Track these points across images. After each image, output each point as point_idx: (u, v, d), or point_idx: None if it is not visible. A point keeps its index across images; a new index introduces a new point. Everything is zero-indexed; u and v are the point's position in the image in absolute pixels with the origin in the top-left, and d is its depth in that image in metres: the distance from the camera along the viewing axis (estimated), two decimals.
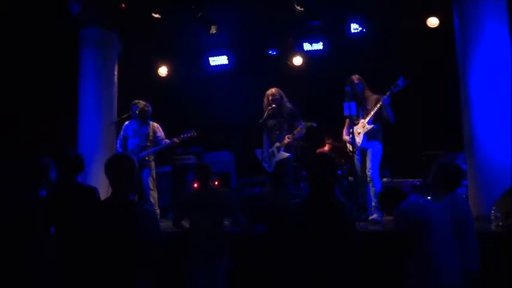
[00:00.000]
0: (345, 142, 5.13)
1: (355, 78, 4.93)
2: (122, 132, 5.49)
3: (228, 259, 3.59)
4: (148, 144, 5.32)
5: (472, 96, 4.82)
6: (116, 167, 2.54)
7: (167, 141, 5.31)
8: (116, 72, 6.31)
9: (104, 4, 5.98)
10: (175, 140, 5.27)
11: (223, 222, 3.76)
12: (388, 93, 4.70)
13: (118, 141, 5.51)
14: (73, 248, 2.82)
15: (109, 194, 2.57)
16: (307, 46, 7.38)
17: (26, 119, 6.50)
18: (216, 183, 6.54)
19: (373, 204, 4.70)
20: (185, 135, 5.24)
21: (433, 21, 6.43)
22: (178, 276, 3.62)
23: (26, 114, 6.52)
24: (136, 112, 5.36)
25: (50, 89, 6.57)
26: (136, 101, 5.44)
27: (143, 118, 5.37)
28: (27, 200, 3.14)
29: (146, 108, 5.38)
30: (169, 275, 3.68)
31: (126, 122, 5.51)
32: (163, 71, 7.85)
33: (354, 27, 6.84)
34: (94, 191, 3.28)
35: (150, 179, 5.31)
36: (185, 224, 3.84)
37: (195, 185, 6.20)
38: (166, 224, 4.46)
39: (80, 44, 6.16)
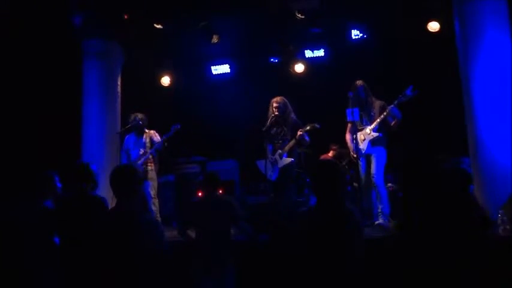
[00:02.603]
0: (349, 148, 5.11)
1: (359, 83, 4.91)
2: (124, 146, 5.62)
3: (234, 268, 3.58)
4: (148, 151, 5.41)
5: (475, 100, 4.81)
6: (120, 178, 2.57)
7: (159, 140, 5.42)
8: (119, 83, 6.35)
9: (106, 15, 6.03)
10: (164, 137, 5.41)
11: (229, 230, 3.74)
12: (395, 102, 4.65)
13: (122, 153, 5.61)
14: (78, 257, 2.83)
15: (113, 204, 2.59)
16: (308, 53, 7.40)
17: (29, 131, 6.52)
18: (220, 191, 6.52)
19: (379, 209, 4.68)
20: (172, 130, 5.41)
21: (434, 26, 6.43)
22: (184, 285, 3.60)
23: (29, 126, 6.54)
24: (140, 123, 5.47)
25: (53, 100, 6.61)
26: (135, 113, 5.55)
27: (140, 129, 5.49)
28: (29, 211, 3.16)
29: (144, 119, 5.52)
30: (175, 284, 3.66)
31: (127, 135, 5.63)
32: (165, 80, 7.89)
33: (355, 34, 6.86)
34: (101, 201, 3.26)
35: (151, 187, 5.36)
36: (190, 233, 3.83)
37: (199, 194, 6.20)
38: (170, 234, 4.45)
39: (83, 56, 6.20)
